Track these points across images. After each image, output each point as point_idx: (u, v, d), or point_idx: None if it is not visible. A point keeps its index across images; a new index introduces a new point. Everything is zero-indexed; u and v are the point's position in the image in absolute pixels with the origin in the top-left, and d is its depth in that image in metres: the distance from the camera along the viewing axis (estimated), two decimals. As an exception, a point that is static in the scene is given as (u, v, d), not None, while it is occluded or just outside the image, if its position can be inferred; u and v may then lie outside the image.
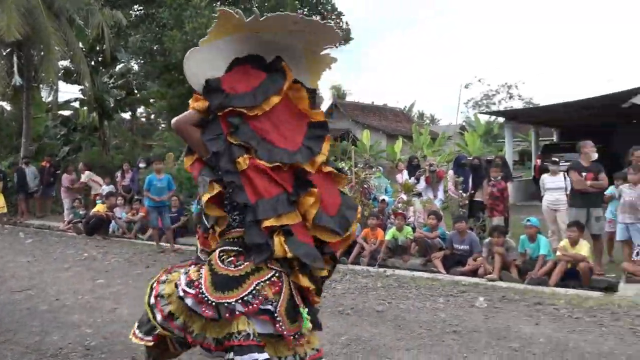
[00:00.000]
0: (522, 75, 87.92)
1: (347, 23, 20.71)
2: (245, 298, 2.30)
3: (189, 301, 2.38)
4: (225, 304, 2.29)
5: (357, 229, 8.35)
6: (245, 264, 2.38)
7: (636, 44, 73.57)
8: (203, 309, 2.33)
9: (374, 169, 10.47)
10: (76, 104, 20.67)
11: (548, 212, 7.99)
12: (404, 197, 9.35)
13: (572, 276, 6.50)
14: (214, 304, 2.31)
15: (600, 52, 76.08)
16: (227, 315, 2.30)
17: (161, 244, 9.48)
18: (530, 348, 4.11)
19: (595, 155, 7.27)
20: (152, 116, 30.60)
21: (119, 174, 12.97)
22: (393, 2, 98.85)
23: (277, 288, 2.37)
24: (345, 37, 20.77)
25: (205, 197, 2.48)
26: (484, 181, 8.80)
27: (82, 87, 18.28)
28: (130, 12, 18.59)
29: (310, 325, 2.41)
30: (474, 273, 7.01)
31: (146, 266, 7.73)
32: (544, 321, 4.82)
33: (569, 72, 74.75)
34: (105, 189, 12.38)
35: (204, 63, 2.54)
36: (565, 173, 7.75)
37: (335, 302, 5.56)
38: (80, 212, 11.93)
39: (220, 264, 2.40)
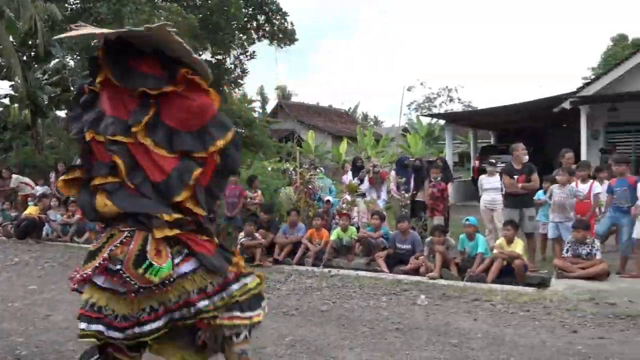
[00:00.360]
0: (461, 79, 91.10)
1: (292, 23, 20.73)
2: (98, 265, 2.57)
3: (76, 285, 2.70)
4: (84, 274, 2.59)
5: (302, 230, 8.40)
6: (103, 235, 2.68)
7: (563, 52, 77.84)
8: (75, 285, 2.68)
9: (317, 170, 10.53)
10: (6, 101, 19.60)
11: (485, 211, 8.31)
12: (348, 197, 9.45)
13: (508, 273, 6.78)
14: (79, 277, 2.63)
15: (532, 59, 79.90)
16: (83, 284, 2.62)
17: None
18: (469, 343, 4.25)
19: (526, 158, 7.62)
20: (90, 114, 29.45)
21: (53, 174, 12.39)
22: (336, 2, 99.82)
23: (127, 247, 2.57)
24: (290, 38, 20.78)
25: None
26: (425, 182, 9.03)
27: (12, 83, 17.34)
28: (66, 5, 17.80)
29: (165, 273, 2.53)
30: (415, 271, 7.16)
31: (83, 270, 7.42)
32: (482, 317, 5.00)
33: (504, 77, 78.05)
34: (39, 190, 11.79)
35: None
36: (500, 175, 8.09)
37: (280, 303, 5.55)
38: (11, 215, 11.31)
39: (94, 242, 2.74)
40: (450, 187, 9.60)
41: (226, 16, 15.70)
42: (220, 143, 2.70)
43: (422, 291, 6.00)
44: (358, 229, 8.56)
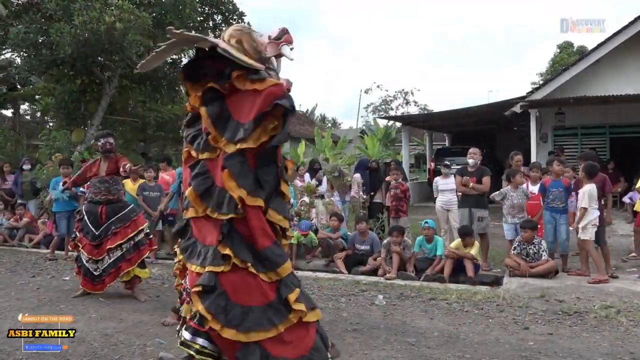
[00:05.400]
0: (417, 83, 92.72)
1: (249, 24, 20.57)
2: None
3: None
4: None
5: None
6: None
7: (512, 59, 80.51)
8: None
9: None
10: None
11: (441, 212, 8.50)
12: (306, 199, 9.44)
13: (462, 272, 6.94)
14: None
15: (482, 66, 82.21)
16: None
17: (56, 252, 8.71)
18: (426, 342, 4.32)
19: (478, 162, 7.81)
20: (38, 114, 28.37)
21: (-2, 176, 11.82)
22: (295, 3, 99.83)
23: None
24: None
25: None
26: (383, 183, 9.12)
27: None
28: (12, 0, 17.05)
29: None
30: (374, 272, 7.24)
31: (32, 275, 7.12)
32: (438, 315, 5.10)
33: (457, 82, 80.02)
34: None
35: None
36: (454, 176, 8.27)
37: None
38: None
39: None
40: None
41: (181, 16, 15.40)
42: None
43: (380, 291, 6.06)
44: (317, 230, 8.57)
